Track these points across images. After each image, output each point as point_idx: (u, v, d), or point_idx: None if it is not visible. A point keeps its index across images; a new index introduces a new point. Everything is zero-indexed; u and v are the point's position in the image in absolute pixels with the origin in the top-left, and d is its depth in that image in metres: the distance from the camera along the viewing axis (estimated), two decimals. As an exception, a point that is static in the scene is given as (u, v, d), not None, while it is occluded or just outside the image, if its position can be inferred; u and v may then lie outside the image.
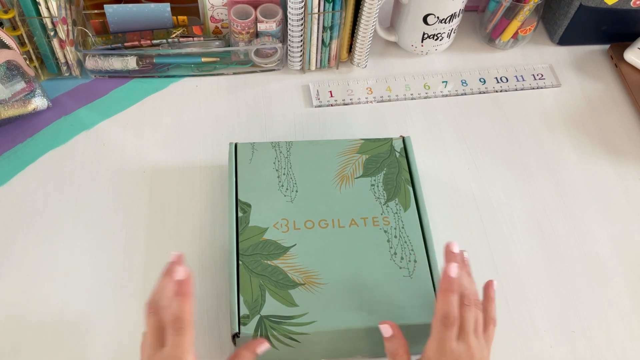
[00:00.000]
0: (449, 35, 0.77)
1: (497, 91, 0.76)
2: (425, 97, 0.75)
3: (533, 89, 0.77)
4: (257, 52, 0.74)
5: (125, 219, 0.62)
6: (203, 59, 0.74)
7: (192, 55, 0.73)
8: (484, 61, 0.80)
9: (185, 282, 0.45)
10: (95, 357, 0.53)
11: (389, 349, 0.47)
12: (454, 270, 0.47)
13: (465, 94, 0.76)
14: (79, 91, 0.72)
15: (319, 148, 0.62)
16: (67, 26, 0.68)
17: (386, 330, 0.47)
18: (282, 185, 0.59)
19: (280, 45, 0.73)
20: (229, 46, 0.74)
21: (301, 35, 0.70)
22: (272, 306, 0.51)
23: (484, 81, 0.77)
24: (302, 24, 0.69)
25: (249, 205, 0.57)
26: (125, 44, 0.72)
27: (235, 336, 0.50)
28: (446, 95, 0.75)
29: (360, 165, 0.61)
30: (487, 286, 0.52)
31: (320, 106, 0.73)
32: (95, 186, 0.64)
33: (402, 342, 0.47)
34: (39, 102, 0.68)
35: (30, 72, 0.68)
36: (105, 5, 0.70)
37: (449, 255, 0.51)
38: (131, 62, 0.72)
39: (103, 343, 0.54)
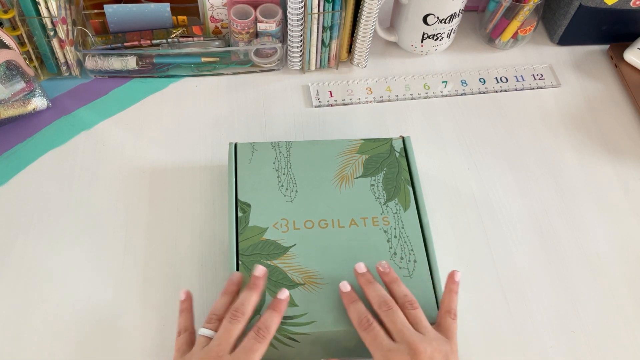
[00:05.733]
0: (448, 35, 0.77)
1: (497, 91, 0.76)
2: (425, 97, 0.75)
3: (533, 89, 0.77)
4: (257, 52, 0.74)
5: (125, 218, 0.62)
6: (203, 59, 0.74)
7: (192, 55, 0.73)
8: (484, 61, 0.80)
9: (284, 302, 0.49)
10: (95, 356, 0.53)
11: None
12: (344, 286, 0.51)
13: (465, 94, 0.76)
14: (78, 91, 0.72)
15: (319, 148, 0.62)
16: (67, 26, 0.68)
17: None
18: (282, 185, 0.59)
19: (280, 45, 0.73)
20: (228, 46, 0.74)
21: (301, 35, 0.70)
22: (272, 306, 0.51)
23: (484, 81, 0.77)
24: (302, 24, 0.69)
25: (249, 205, 0.57)
26: (125, 44, 0.72)
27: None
28: (446, 95, 0.75)
29: (360, 165, 0.61)
30: (448, 278, 0.52)
31: (320, 106, 0.73)
32: (95, 186, 0.64)
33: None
34: (38, 102, 0.68)
35: (30, 72, 0.68)
36: (105, 5, 0.70)
37: (357, 276, 0.52)
38: (131, 62, 0.72)
39: (103, 343, 0.54)
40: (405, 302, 0.49)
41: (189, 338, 0.49)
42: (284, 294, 0.50)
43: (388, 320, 0.48)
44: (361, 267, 0.52)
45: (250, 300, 0.48)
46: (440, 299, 0.51)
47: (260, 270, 0.50)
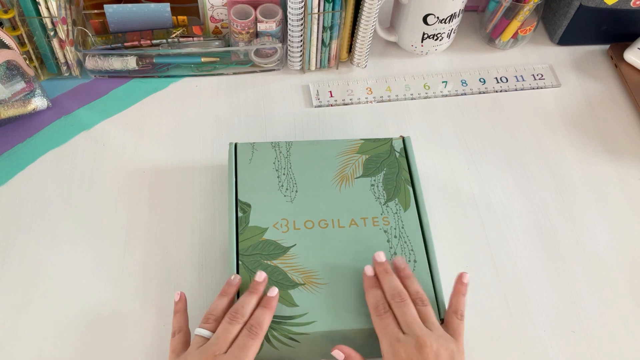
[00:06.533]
0: (448, 35, 0.77)
1: (497, 91, 0.76)
2: (425, 97, 0.75)
3: (533, 89, 0.77)
4: (257, 52, 0.74)
5: (125, 218, 0.62)
6: (203, 59, 0.74)
7: (192, 55, 0.73)
8: (484, 61, 0.80)
9: (274, 299, 0.50)
10: (95, 356, 0.53)
11: None
12: (368, 270, 0.52)
13: (465, 94, 0.76)
14: (78, 91, 0.72)
15: (319, 148, 0.62)
16: (67, 26, 0.68)
17: (338, 355, 0.49)
18: (282, 185, 0.59)
19: (280, 45, 0.73)
20: (229, 46, 0.74)
21: (301, 35, 0.70)
22: (272, 306, 0.51)
23: (484, 81, 0.77)
24: (302, 24, 0.69)
25: (249, 205, 0.57)
26: (125, 44, 0.72)
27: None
28: (446, 95, 0.75)
29: (360, 166, 0.61)
30: (457, 280, 0.52)
31: (320, 106, 0.73)
32: (95, 186, 0.64)
33: (358, 358, 0.48)
34: (38, 102, 0.68)
35: (30, 72, 0.68)
36: (105, 5, 0.70)
37: (375, 265, 0.53)
38: (131, 62, 0.72)
39: (103, 343, 0.54)
40: (417, 298, 0.50)
41: (184, 338, 0.49)
42: (274, 291, 0.50)
43: (399, 312, 0.48)
44: (380, 256, 0.53)
45: (249, 303, 0.49)
46: (449, 300, 0.51)
47: (261, 275, 0.51)
